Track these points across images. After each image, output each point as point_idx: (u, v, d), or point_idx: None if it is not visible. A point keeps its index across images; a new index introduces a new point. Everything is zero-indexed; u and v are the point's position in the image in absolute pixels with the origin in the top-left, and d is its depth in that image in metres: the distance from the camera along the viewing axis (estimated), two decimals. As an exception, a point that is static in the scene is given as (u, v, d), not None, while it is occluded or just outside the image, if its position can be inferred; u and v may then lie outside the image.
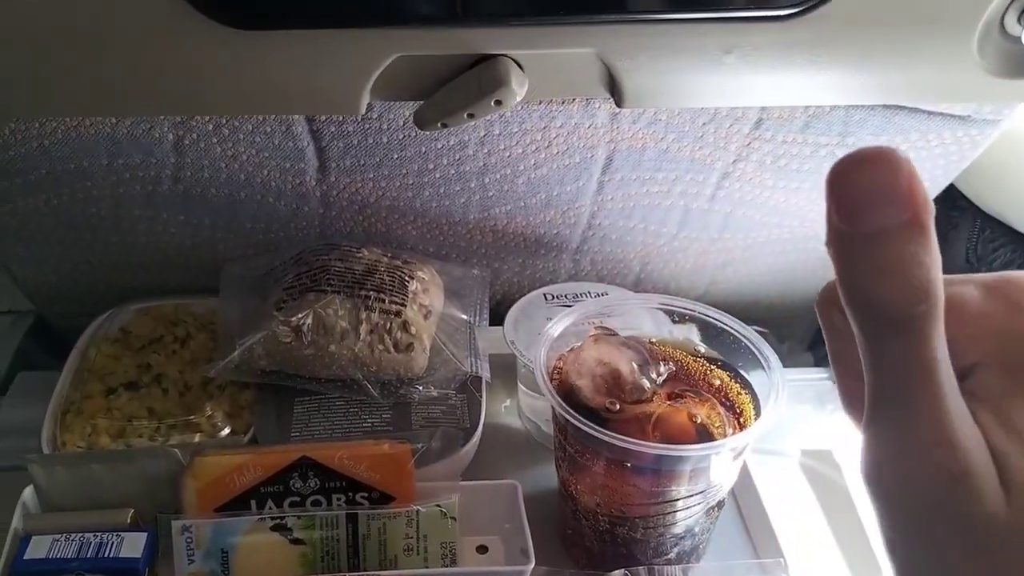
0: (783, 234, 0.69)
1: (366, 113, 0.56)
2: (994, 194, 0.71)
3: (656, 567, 0.51)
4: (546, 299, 0.67)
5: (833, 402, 0.69)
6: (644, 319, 0.60)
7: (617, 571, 0.51)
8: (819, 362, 0.75)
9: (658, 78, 0.44)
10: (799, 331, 0.85)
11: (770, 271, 0.73)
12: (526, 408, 0.65)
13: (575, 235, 0.68)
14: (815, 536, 0.58)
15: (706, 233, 0.68)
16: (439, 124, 0.46)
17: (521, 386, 0.65)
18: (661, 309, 0.58)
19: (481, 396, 0.59)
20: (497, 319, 0.64)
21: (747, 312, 0.79)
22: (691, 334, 0.58)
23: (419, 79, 0.44)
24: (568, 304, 0.66)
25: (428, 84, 0.44)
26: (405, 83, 0.44)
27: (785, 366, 0.74)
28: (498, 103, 0.45)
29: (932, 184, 0.64)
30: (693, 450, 0.46)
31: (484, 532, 0.55)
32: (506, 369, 0.66)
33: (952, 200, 0.75)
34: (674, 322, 0.58)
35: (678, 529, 0.51)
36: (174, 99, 0.43)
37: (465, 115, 0.46)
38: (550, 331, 0.53)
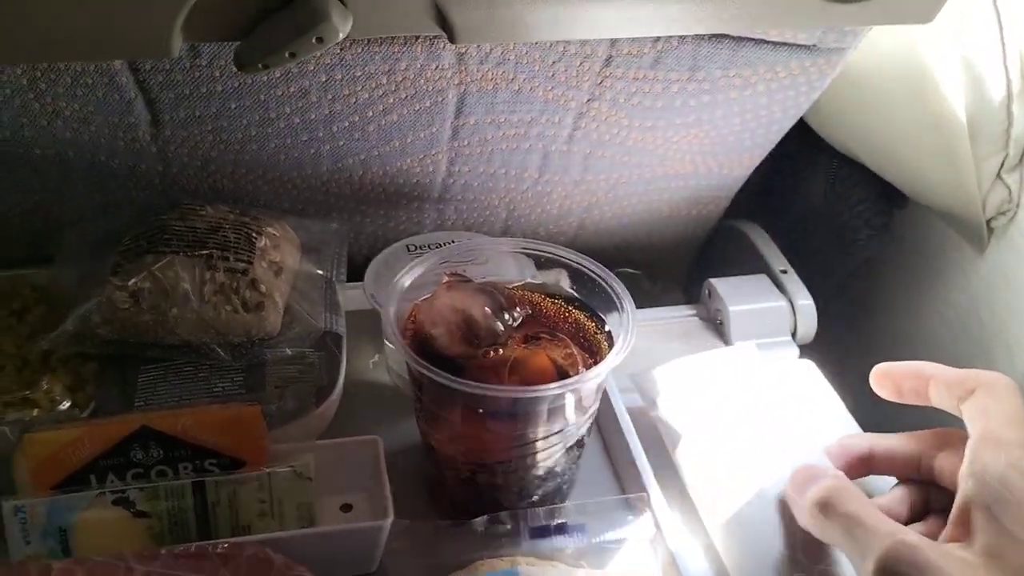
0: (644, 174, 0.68)
1: (194, 59, 0.52)
2: (844, 133, 0.73)
3: (520, 511, 0.51)
4: (409, 250, 0.65)
5: (698, 338, 0.69)
6: (509, 266, 0.59)
7: (480, 518, 0.50)
8: (690, 300, 0.75)
9: (489, 11, 0.42)
10: (675, 271, 0.86)
11: (635, 212, 0.73)
12: (393, 363, 0.64)
13: (435, 183, 0.66)
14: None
15: (568, 176, 0.67)
16: (260, 65, 0.44)
17: (387, 340, 0.63)
18: (524, 253, 0.57)
19: (341, 353, 0.57)
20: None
21: (619, 254, 0.80)
22: (561, 279, 0.58)
23: (234, 16, 0.41)
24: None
25: (245, 21, 0.42)
26: (219, 21, 0.41)
27: (658, 305, 0.76)
28: (319, 40, 0.42)
29: (784, 115, 0.65)
30: (544, 390, 0.46)
31: (349, 491, 0.53)
32: (375, 324, 0.64)
33: (810, 140, 0.76)
34: (540, 267, 0.58)
35: (539, 471, 0.51)
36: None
37: (287, 54, 0.43)
38: (400, 281, 0.52)
